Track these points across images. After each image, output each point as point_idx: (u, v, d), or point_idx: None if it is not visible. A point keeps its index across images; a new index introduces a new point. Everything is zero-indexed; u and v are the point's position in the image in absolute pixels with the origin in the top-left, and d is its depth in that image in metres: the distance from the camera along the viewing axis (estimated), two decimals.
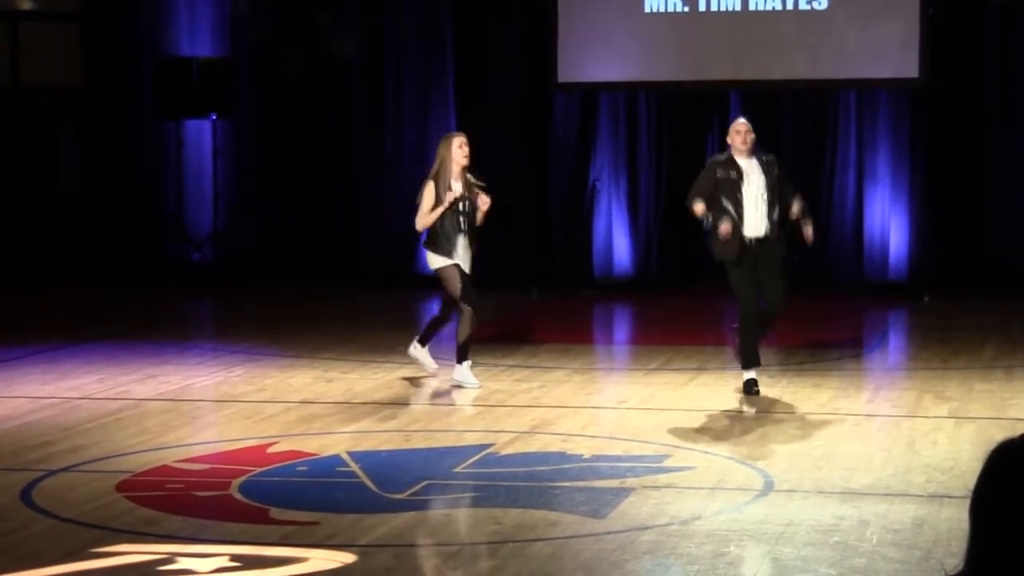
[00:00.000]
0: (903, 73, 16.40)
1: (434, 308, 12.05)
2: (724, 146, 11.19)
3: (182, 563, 6.71)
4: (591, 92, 17.28)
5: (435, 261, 11.23)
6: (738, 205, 10.70)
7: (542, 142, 17.40)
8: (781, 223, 10.90)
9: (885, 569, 6.63)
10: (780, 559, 6.77)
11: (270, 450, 9.12)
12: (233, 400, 10.85)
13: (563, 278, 17.21)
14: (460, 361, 11.22)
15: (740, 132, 10.86)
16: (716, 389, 11.08)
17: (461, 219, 11.16)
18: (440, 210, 11.09)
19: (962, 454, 8.82)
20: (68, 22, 18.34)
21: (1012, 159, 16.43)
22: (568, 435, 9.52)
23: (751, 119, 11.13)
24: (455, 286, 11.16)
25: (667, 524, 7.34)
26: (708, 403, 10.62)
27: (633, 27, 16.89)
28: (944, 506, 7.60)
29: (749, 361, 10.88)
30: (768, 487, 8.12)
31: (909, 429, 9.70)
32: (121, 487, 8.12)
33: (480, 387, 11.14)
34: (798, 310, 15.44)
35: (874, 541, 7.02)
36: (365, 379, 11.60)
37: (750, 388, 10.84)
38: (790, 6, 16.56)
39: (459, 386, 11.16)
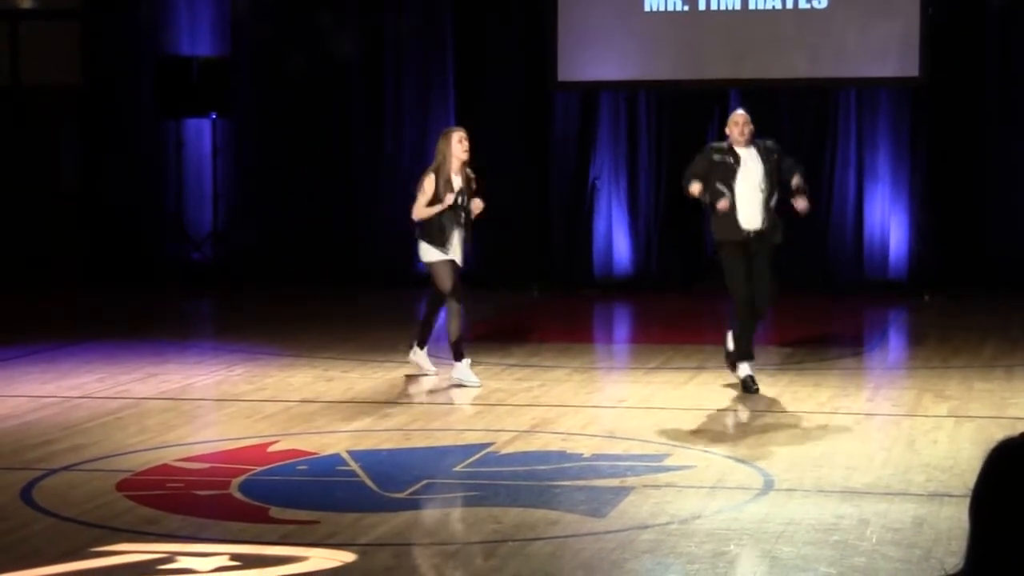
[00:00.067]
0: (903, 72, 16.40)
1: (422, 309, 12.00)
2: (723, 139, 11.20)
3: (182, 562, 6.71)
4: (591, 91, 17.29)
5: (428, 254, 11.23)
6: (732, 193, 10.74)
7: (542, 142, 17.41)
8: (779, 211, 10.94)
9: (885, 568, 6.63)
10: (780, 558, 6.77)
11: (270, 449, 9.13)
12: (233, 399, 10.85)
13: (563, 277, 17.22)
14: (458, 359, 11.21)
15: (738, 123, 10.89)
16: (716, 388, 11.08)
17: (459, 213, 11.17)
18: (438, 208, 11.09)
19: (962, 453, 8.82)
20: (68, 21, 18.34)
21: (1012, 158, 16.43)
22: (568, 434, 9.52)
23: (751, 118, 11.13)
24: (444, 281, 11.16)
25: (667, 523, 7.34)
26: (708, 402, 10.62)
27: (633, 26, 16.90)
28: (944, 505, 7.60)
29: (742, 355, 10.91)
30: (768, 486, 8.12)
31: (909, 428, 9.70)
32: (121, 486, 8.12)
33: (481, 385, 11.13)
34: (798, 309, 15.47)
35: (874, 540, 7.02)
36: (365, 378, 11.60)
37: (749, 386, 10.84)
38: (790, 5, 16.56)
39: (460, 385, 11.15)
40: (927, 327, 14.69)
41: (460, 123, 13.36)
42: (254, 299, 16.58)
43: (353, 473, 8.47)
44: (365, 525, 7.36)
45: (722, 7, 16.67)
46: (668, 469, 8.53)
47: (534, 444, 9.24)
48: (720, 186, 10.76)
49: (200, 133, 18.14)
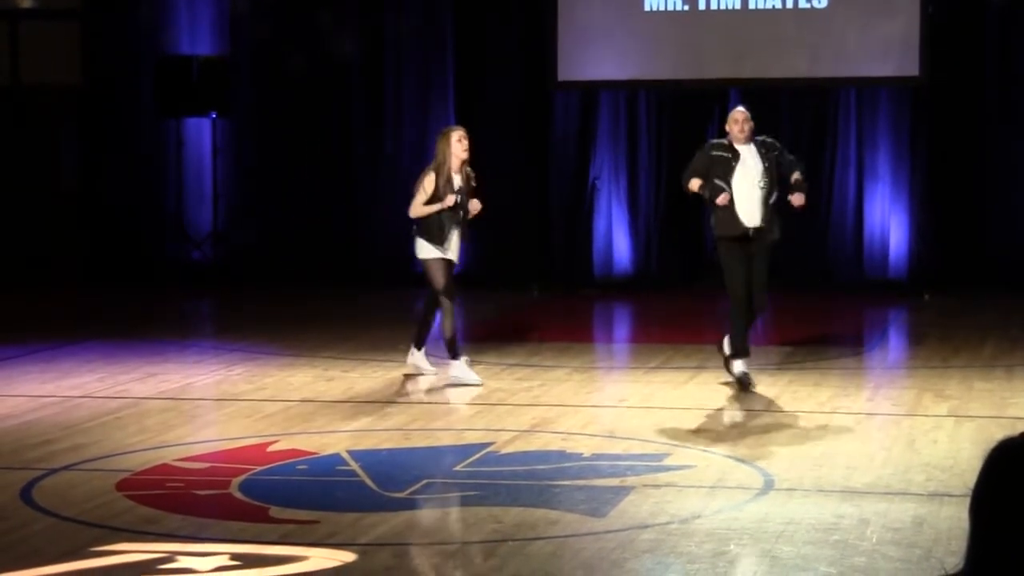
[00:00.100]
0: (903, 71, 16.40)
1: (418, 308, 12.00)
2: (724, 137, 11.21)
3: (182, 562, 6.71)
4: (591, 91, 17.29)
5: (424, 251, 11.22)
6: (730, 189, 10.77)
7: (542, 142, 17.41)
8: (777, 209, 10.97)
9: (885, 568, 6.62)
10: (780, 558, 6.77)
11: (270, 449, 9.12)
12: (233, 399, 10.85)
13: (563, 277, 17.22)
14: (453, 358, 11.22)
15: (738, 121, 10.92)
16: (716, 388, 11.08)
17: (459, 212, 11.18)
18: (436, 207, 11.09)
19: (962, 453, 8.82)
20: (68, 21, 18.34)
21: (1012, 157, 16.43)
22: (568, 434, 9.52)
23: (751, 117, 11.14)
24: (439, 279, 11.16)
25: (667, 523, 7.34)
26: (708, 402, 10.62)
27: (633, 26, 16.89)
28: (944, 505, 7.60)
29: (738, 352, 10.95)
30: (768, 486, 8.11)
31: (909, 428, 9.70)
32: (121, 486, 8.12)
33: (482, 384, 11.13)
34: (798, 309, 15.47)
35: (874, 540, 7.02)
36: (365, 378, 11.60)
37: (745, 384, 10.87)
38: (790, 4, 16.56)
39: (459, 384, 11.13)
40: (927, 327, 14.69)
41: (460, 123, 13.35)
42: (254, 299, 16.58)
43: (353, 473, 8.47)
44: (365, 525, 7.36)
45: (722, 6, 16.67)
46: (668, 469, 8.53)
47: (534, 444, 9.24)
48: (719, 182, 10.80)
49: (200, 133, 18.14)
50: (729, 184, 10.79)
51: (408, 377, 11.52)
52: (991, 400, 10.58)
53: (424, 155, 14.84)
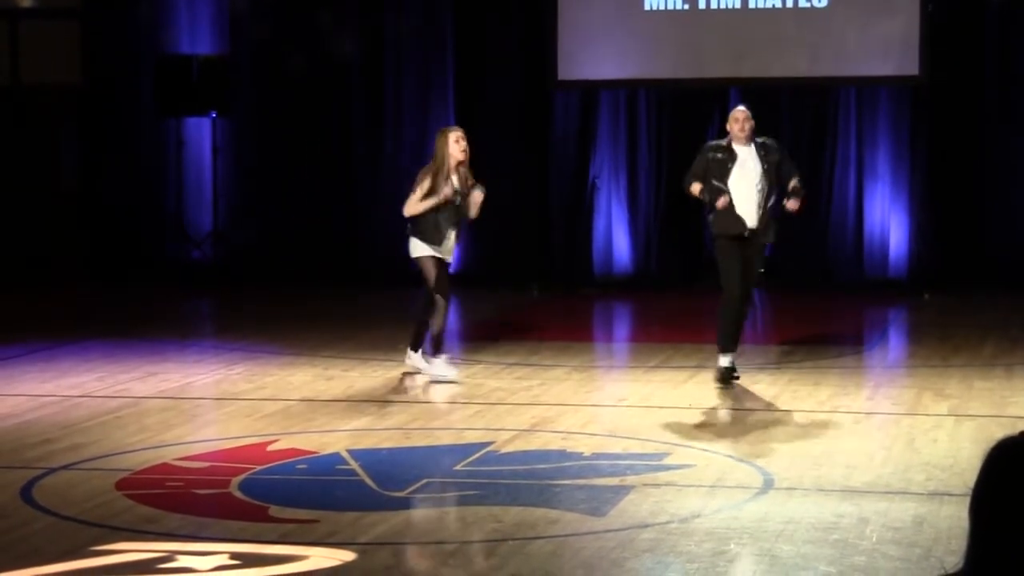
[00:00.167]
0: (903, 70, 16.40)
1: (415, 309, 12.01)
2: (724, 137, 11.23)
3: (182, 561, 6.71)
4: (591, 90, 17.29)
5: (417, 249, 11.23)
6: (728, 190, 10.80)
7: (542, 141, 17.41)
8: (774, 212, 10.99)
9: (885, 567, 6.62)
10: (780, 557, 6.77)
11: (270, 448, 9.12)
12: (233, 398, 10.85)
13: (563, 276, 17.22)
14: (436, 355, 11.25)
15: (739, 120, 10.93)
16: (715, 387, 11.07)
17: (455, 212, 11.18)
18: (432, 201, 11.08)
19: (962, 452, 8.82)
20: (68, 20, 18.34)
21: (1012, 157, 16.43)
22: (568, 433, 9.51)
23: (751, 115, 11.16)
24: (431, 277, 11.19)
25: (667, 522, 7.34)
26: (708, 401, 10.62)
27: (633, 25, 16.89)
28: (944, 504, 7.60)
29: (726, 347, 10.99)
30: (768, 485, 8.11)
31: (909, 427, 9.70)
32: (121, 485, 8.12)
33: (458, 381, 11.16)
34: (798, 308, 15.47)
35: (874, 539, 7.02)
36: (365, 377, 11.60)
37: (725, 377, 10.92)
38: (790, 4, 16.57)
39: (438, 381, 11.18)
40: (927, 326, 14.69)
41: (460, 123, 13.36)
42: (254, 299, 16.58)
43: (353, 472, 8.47)
44: (365, 524, 7.35)
45: (722, 6, 16.67)
46: (668, 468, 8.53)
47: (534, 443, 9.24)
48: (716, 183, 10.82)
49: (200, 132, 18.14)
50: (726, 185, 10.82)
51: (408, 376, 11.52)
52: (991, 399, 10.58)
53: (424, 155, 14.83)
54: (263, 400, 10.69)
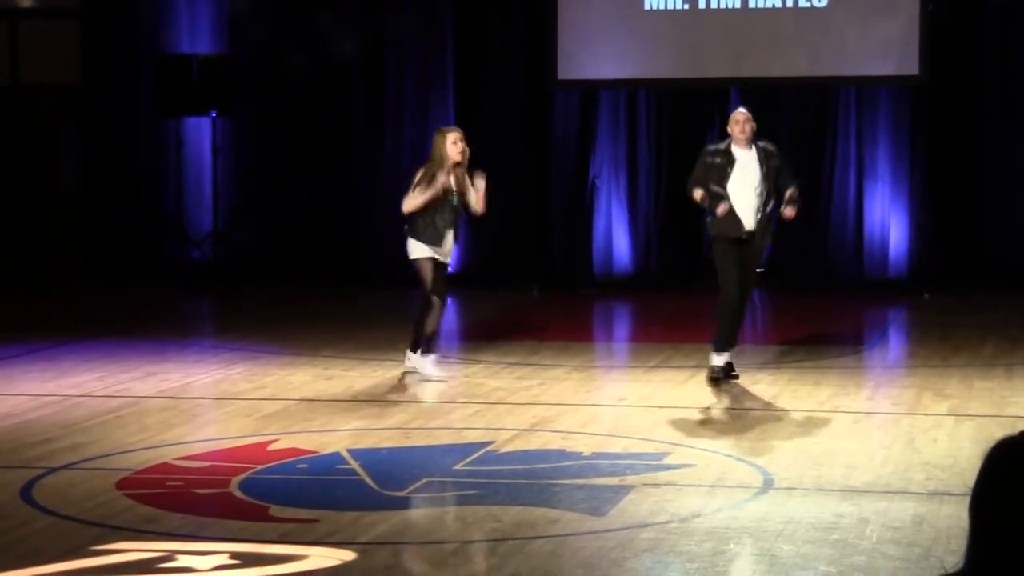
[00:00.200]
0: (903, 70, 16.41)
1: (414, 310, 12.01)
2: (724, 138, 11.23)
3: (182, 561, 6.71)
4: (591, 90, 17.29)
5: (415, 250, 11.24)
6: (726, 193, 10.82)
7: (542, 141, 17.41)
8: (771, 217, 11.01)
9: (885, 567, 6.62)
10: (779, 556, 6.77)
11: (270, 448, 9.12)
12: (233, 398, 10.85)
13: (563, 276, 17.22)
14: (426, 354, 11.28)
15: (739, 122, 10.93)
16: (708, 387, 11.07)
17: (451, 212, 11.19)
18: (430, 193, 11.07)
19: (962, 452, 8.82)
20: (68, 20, 18.34)
21: (1012, 157, 16.43)
22: (568, 433, 9.52)
23: (752, 117, 11.15)
24: (428, 278, 11.19)
25: (667, 522, 7.34)
26: (707, 400, 10.62)
27: (633, 25, 16.90)
28: (944, 504, 7.60)
29: (722, 346, 11.01)
30: (768, 484, 8.11)
31: (909, 427, 9.70)
32: (121, 485, 8.12)
33: (445, 380, 11.18)
34: (798, 308, 15.47)
35: (874, 539, 7.02)
36: (365, 377, 11.60)
37: (717, 376, 10.95)
38: (790, 3, 16.57)
39: (427, 380, 11.20)
40: (927, 325, 14.69)
41: (460, 123, 13.36)
42: (254, 299, 16.58)
43: (353, 471, 8.47)
44: (365, 523, 7.36)
45: (722, 5, 16.67)
46: (668, 467, 8.53)
47: (534, 443, 9.24)
48: (715, 188, 10.80)
49: (200, 132, 18.14)
50: (725, 189, 10.81)
51: (408, 376, 11.52)
52: (991, 399, 10.58)
53: (424, 155, 14.84)
54: (263, 400, 10.70)
